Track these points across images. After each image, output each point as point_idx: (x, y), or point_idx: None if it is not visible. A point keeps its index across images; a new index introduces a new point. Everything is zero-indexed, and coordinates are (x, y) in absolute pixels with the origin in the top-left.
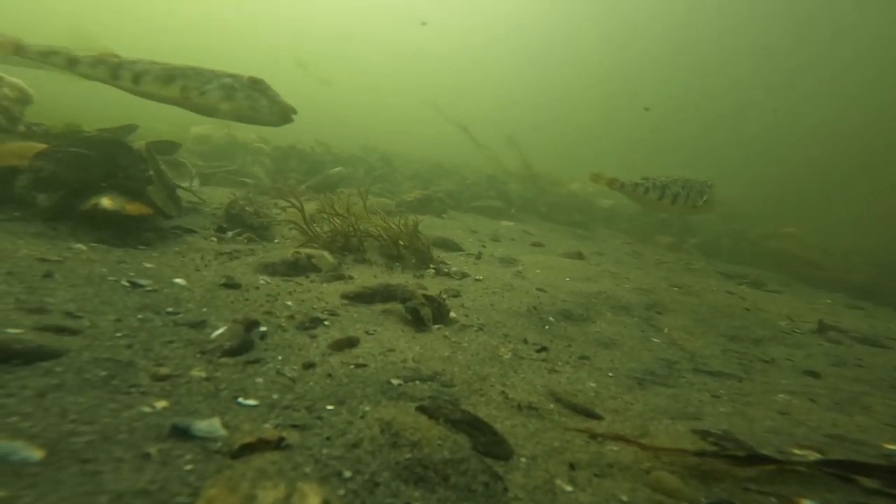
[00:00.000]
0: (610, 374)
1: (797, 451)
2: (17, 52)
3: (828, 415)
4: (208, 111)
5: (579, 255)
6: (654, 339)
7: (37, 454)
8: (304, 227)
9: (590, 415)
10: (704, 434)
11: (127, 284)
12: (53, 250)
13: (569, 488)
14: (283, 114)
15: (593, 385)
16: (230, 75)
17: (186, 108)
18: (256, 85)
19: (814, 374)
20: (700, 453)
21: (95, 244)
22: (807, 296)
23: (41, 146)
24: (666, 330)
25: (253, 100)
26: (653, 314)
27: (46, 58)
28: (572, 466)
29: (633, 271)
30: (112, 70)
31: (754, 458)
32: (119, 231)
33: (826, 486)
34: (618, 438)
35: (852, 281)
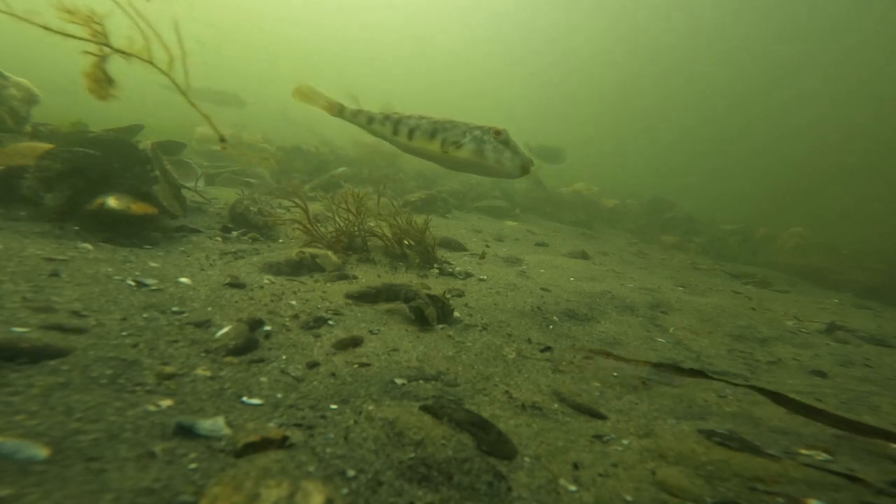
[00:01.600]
0: (614, 374)
1: (804, 451)
2: (339, 113)
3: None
4: (459, 165)
5: (583, 255)
6: (659, 339)
7: (42, 452)
8: (309, 226)
9: (594, 414)
10: (710, 433)
11: (132, 284)
12: (59, 249)
13: (573, 488)
14: (524, 166)
15: (598, 385)
16: (478, 127)
17: (440, 163)
18: (500, 136)
19: (821, 374)
20: (657, 365)
21: (101, 243)
22: (814, 295)
23: (47, 146)
24: (671, 329)
25: (499, 152)
26: (658, 314)
27: (354, 117)
28: (576, 466)
29: (637, 271)
30: (394, 126)
31: (694, 372)
32: (125, 231)
33: (833, 486)
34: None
35: (865, 282)
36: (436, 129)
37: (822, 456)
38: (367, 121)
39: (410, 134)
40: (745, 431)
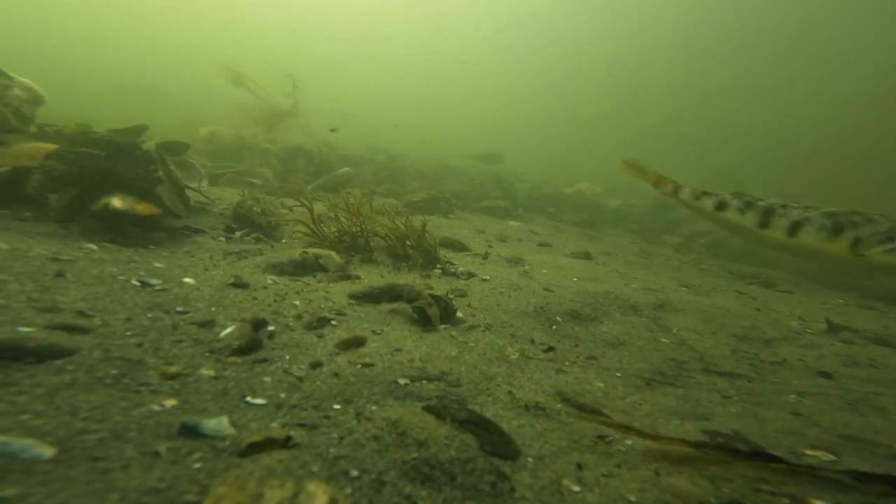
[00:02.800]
0: (618, 375)
1: (809, 452)
2: (674, 192)
3: (840, 415)
4: (873, 269)
5: (587, 255)
6: (663, 339)
7: (48, 452)
8: (312, 227)
9: (598, 415)
10: (714, 434)
11: (137, 284)
12: (65, 250)
13: (576, 488)
14: None
15: (601, 385)
16: None
17: (834, 262)
18: None
19: (826, 375)
20: (699, 444)
21: (106, 244)
22: (819, 295)
23: (52, 146)
24: (675, 330)
25: None
26: (661, 314)
27: (697, 199)
28: (580, 466)
29: (641, 271)
30: (762, 217)
31: (757, 455)
32: (129, 231)
33: (839, 487)
34: (629, 430)
35: (869, 282)
36: (839, 225)
37: (828, 457)
38: (715, 206)
39: (793, 229)
40: (750, 432)
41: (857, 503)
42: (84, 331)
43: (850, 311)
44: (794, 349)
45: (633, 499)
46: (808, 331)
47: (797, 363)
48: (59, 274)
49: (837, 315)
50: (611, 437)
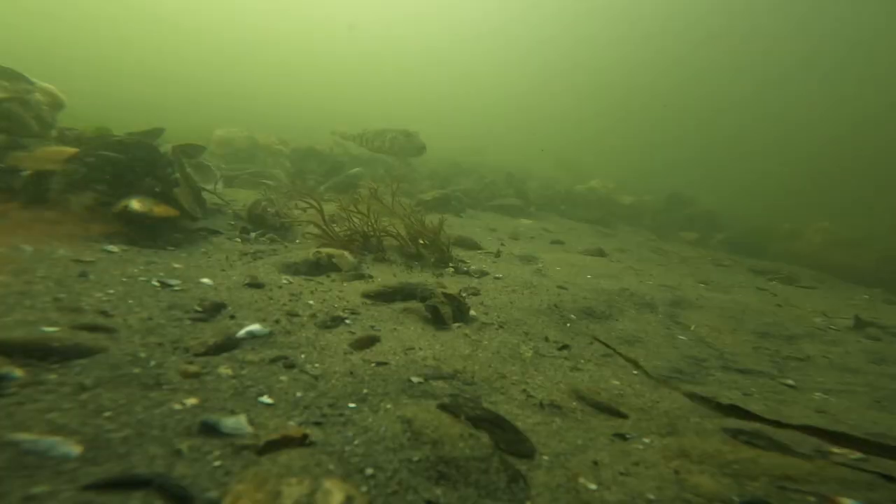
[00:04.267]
0: (634, 372)
1: (836, 450)
2: None
3: (868, 413)
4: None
5: (601, 253)
6: (681, 337)
7: (75, 450)
8: (324, 227)
9: (614, 413)
10: (736, 432)
11: (157, 284)
12: (87, 251)
13: (593, 486)
14: None
15: (617, 383)
16: None
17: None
18: None
19: (852, 372)
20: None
21: (126, 245)
22: (843, 291)
23: (73, 150)
24: (693, 327)
25: None
26: (678, 311)
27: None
28: (596, 464)
29: (656, 268)
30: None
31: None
32: (148, 232)
33: (867, 485)
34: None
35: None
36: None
37: (856, 455)
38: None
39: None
40: (773, 431)
41: (886, 500)
42: (107, 330)
43: (877, 306)
44: (818, 346)
45: (651, 497)
46: (833, 327)
47: (822, 360)
48: (83, 275)
49: (863, 311)
50: (628, 435)
